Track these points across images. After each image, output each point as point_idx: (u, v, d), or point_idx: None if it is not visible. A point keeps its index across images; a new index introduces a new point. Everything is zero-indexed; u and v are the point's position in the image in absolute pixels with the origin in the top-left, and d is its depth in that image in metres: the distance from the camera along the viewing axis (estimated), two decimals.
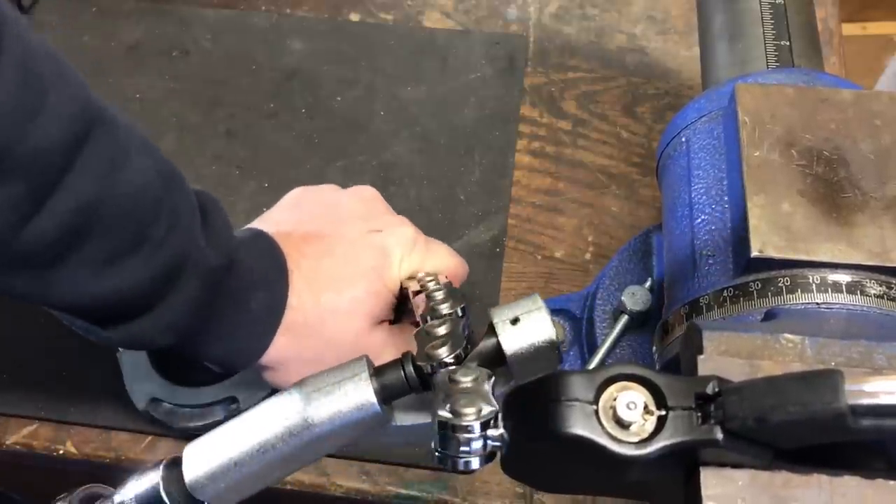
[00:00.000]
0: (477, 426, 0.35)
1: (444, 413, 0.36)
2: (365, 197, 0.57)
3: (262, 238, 0.51)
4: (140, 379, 0.60)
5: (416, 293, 0.51)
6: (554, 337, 0.42)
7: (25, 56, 0.37)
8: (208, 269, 0.45)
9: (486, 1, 0.86)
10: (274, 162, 0.76)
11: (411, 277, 0.52)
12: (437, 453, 0.37)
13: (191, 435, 0.60)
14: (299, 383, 0.43)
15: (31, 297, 0.42)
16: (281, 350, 0.50)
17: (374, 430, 0.43)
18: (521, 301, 0.44)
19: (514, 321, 0.43)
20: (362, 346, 0.51)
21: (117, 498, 0.42)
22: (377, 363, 0.43)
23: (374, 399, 0.41)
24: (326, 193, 0.57)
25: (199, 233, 0.46)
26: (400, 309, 0.54)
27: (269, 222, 0.54)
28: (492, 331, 0.43)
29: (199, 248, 0.45)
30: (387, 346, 0.52)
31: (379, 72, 0.81)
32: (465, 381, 0.37)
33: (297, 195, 0.57)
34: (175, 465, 0.42)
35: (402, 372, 0.43)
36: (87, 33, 0.84)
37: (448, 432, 0.36)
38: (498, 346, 0.43)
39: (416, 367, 0.43)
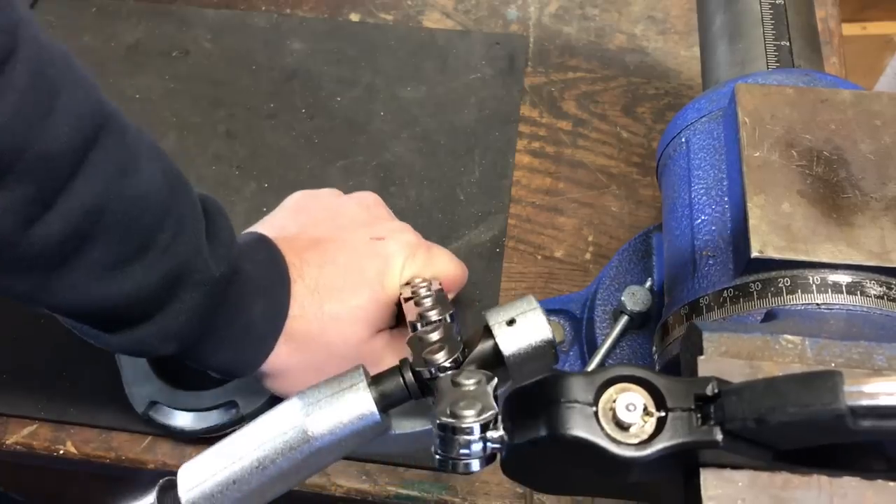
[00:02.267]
0: (477, 428, 0.35)
1: (445, 416, 0.36)
2: (367, 203, 0.57)
3: (265, 245, 0.51)
4: (139, 382, 0.60)
5: (407, 300, 0.51)
6: (551, 336, 0.42)
7: (39, 57, 0.36)
8: (211, 278, 0.45)
9: (486, 1, 0.86)
10: (274, 162, 0.76)
11: (406, 283, 0.52)
12: (437, 456, 0.37)
13: (190, 437, 0.61)
14: (296, 396, 0.42)
15: (34, 300, 0.42)
16: (282, 358, 0.50)
17: (373, 440, 0.42)
18: (516, 302, 0.43)
19: (511, 322, 0.42)
20: (364, 353, 0.51)
21: None
22: (378, 369, 0.43)
23: (374, 408, 0.41)
24: (329, 199, 0.57)
25: (204, 242, 0.45)
26: (399, 315, 0.54)
27: (272, 227, 0.54)
28: (488, 333, 0.43)
29: (202, 258, 0.45)
30: (387, 353, 0.52)
31: (379, 72, 0.81)
32: (469, 383, 0.37)
33: (299, 199, 0.57)
34: (171, 486, 0.41)
35: (401, 379, 0.42)
36: (87, 33, 0.84)
37: (448, 435, 0.36)
38: (495, 348, 0.42)
39: (415, 373, 0.42)
